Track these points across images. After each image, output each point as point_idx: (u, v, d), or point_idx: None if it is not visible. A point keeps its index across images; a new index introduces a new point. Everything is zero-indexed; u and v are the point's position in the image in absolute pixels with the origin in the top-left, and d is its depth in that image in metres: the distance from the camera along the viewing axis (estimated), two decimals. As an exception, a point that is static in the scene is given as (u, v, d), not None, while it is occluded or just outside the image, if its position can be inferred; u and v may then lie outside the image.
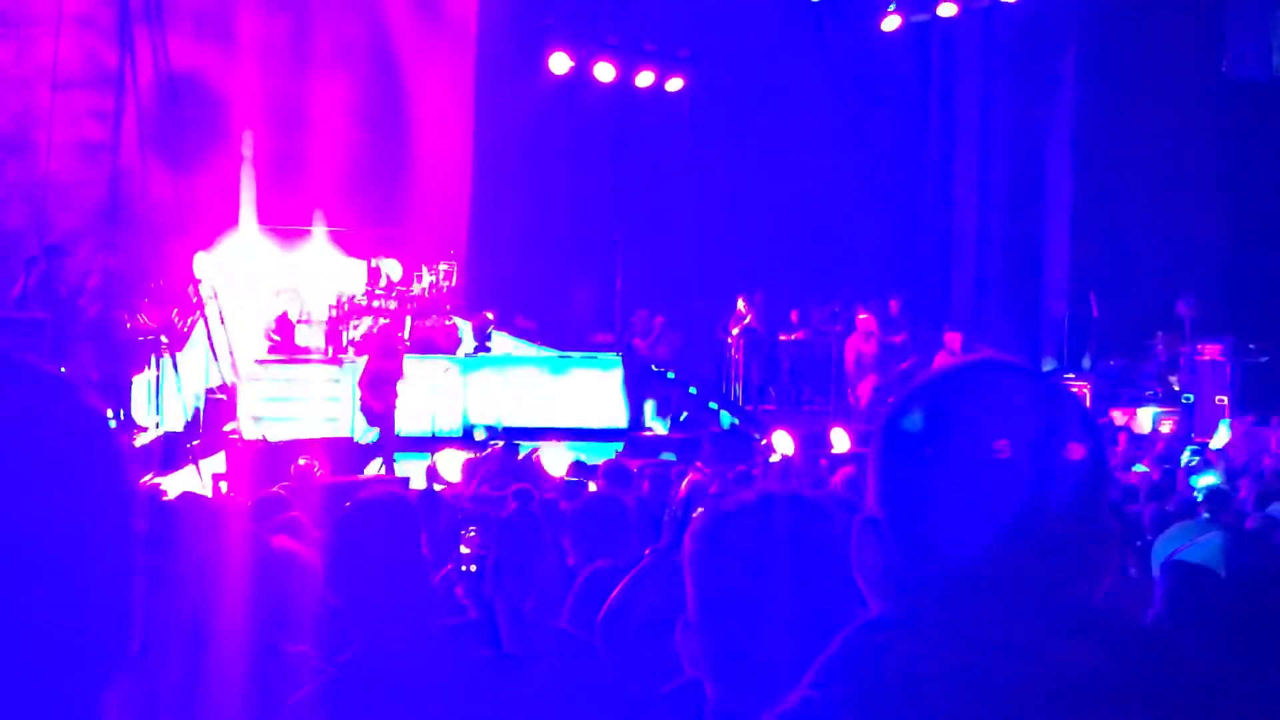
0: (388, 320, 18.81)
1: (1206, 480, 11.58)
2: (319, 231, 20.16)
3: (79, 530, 1.28)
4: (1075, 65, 22.21)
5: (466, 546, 5.20)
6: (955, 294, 23.97)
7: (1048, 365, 21.95)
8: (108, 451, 1.33)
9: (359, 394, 16.60)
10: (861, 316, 20.56)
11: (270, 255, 19.84)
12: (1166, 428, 18.25)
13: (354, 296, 19.32)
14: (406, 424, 16.80)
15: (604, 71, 22.86)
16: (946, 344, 19.86)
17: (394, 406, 16.41)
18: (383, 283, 19.71)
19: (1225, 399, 18.04)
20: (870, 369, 20.16)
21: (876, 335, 20.53)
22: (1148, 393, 19.29)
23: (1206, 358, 18.45)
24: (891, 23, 23.30)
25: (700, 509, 5.10)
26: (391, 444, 16.20)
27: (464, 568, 5.04)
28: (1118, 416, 18.43)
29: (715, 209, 23.28)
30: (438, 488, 12.38)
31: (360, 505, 5.28)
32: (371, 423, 16.33)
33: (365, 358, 17.17)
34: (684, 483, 11.49)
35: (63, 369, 14.66)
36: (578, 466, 13.10)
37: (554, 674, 3.67)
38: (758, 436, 17.80)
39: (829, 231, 23.88)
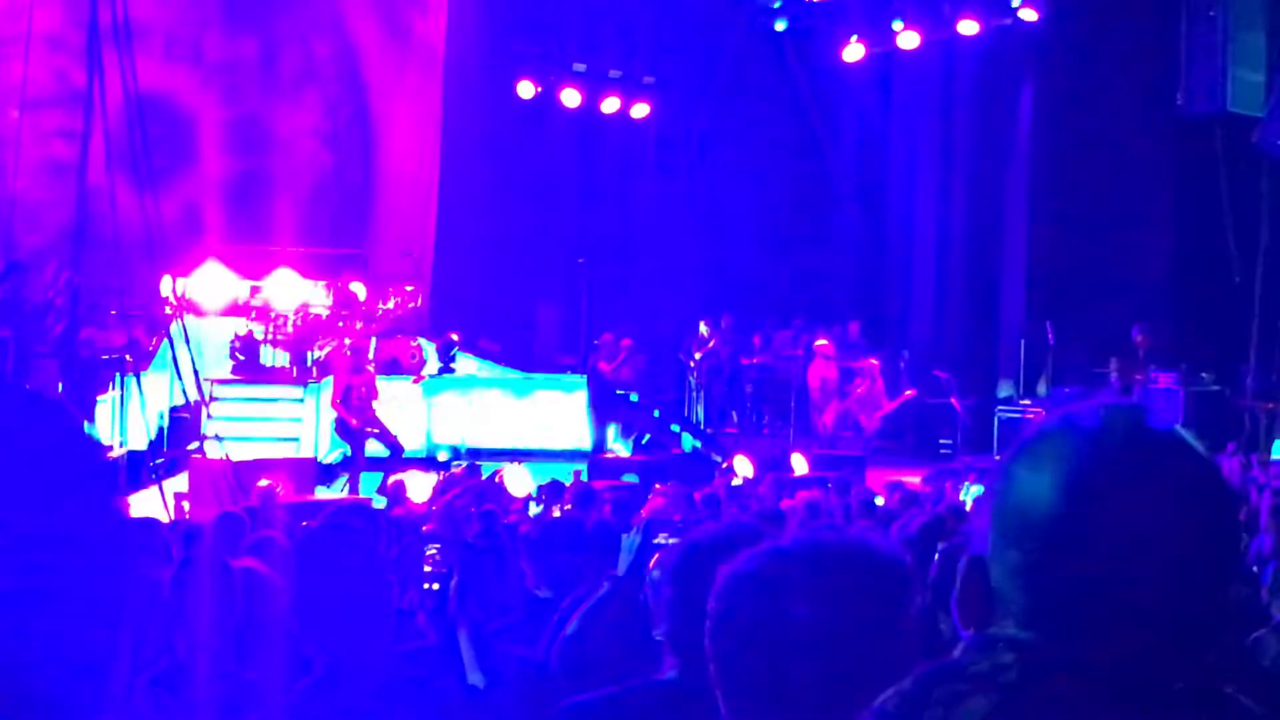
0: (352, 340, 18.75)
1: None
2: (285, 252, 20.07)
3: (74, 549, 1.29)
4: (1033, 97, 22.37)
5: (429, 565, 5.18)
6: (914, 319, 24.04)
7: (1004, 390, 22.06)
8: (103, 476, 1.33)
9: (333, 412, 16.52)
10: (820, 342, 20.61)
11: (236, 276, 19.73)
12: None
13: (319, 317, 19.24)
14: (372, 444, 16.73)
15: (570, 97, 22.92)
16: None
17: (368, 425, 16.37)
18: (348, 304, 19.65)
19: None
20: (834, 394, 20.20)
21: (835, 359, 20.57)
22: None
23: (1160, 385, 18.55)
24: (854, 53, 23.42)
25: (664, 537, 5.09)
26: (360, 463, 16.14)
27: (426, 585, 5.00)
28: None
29: (680, 233, 23.37)
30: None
31: (323, 526, 5.25)
32: (345, 438, 16.27)
33: (330, 378, 17.09)
34: (644, 506, 11.51)
35: (26, 385, 14.56)
36: (552, 487, 13.10)
37: (514, 702, 3.64)
38: (719, 460, 17.82)
39: (792, 256, 24.00)
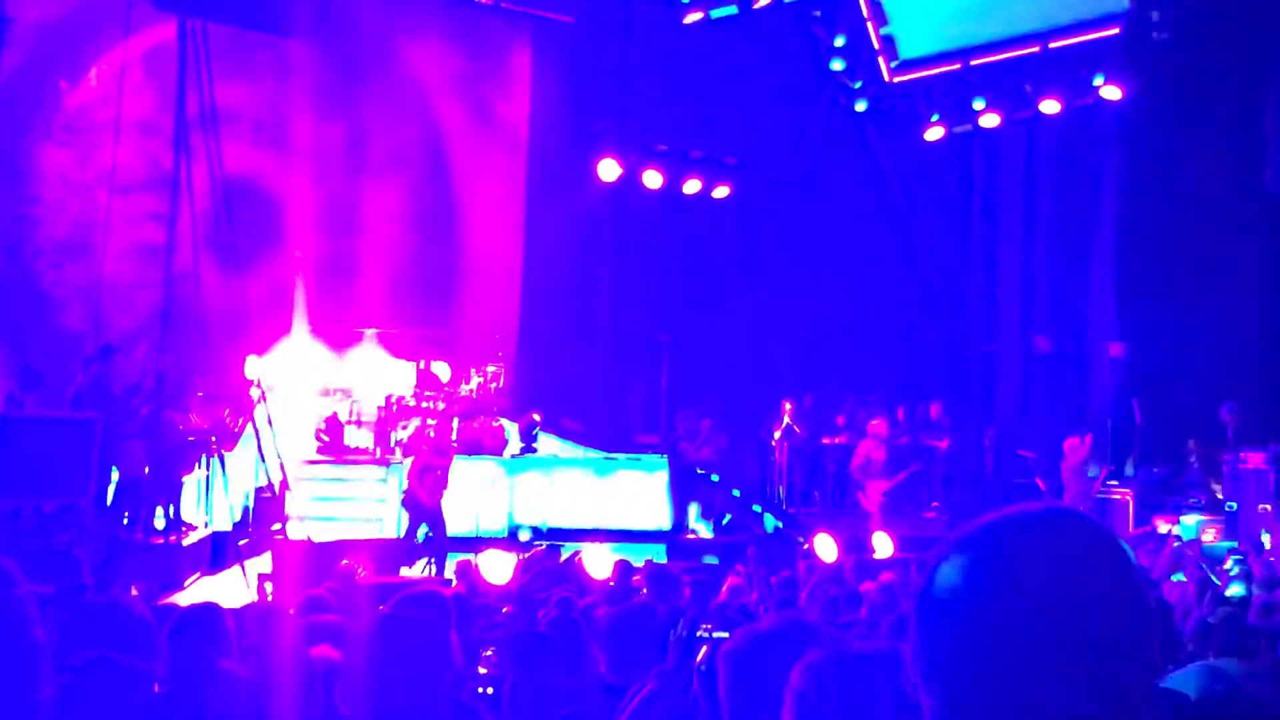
0: (435, 421, 18.87)
1: (1234, 590, 11.39)
2: (370, 334, 20.28)
3: None
4: (1116, 176, 22.21)
5: (484, 667, 5.12)
6: (999, 399, 23.82)
7: (1091, 471, 21.75)
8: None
9: (406, 485, 16.59)
10: (873, 422, 20.38)
11: (321, 357, 19.95)
12: (1209, 536, 18.00)
13: (403, 398, 19.40)
14: (452, 523, 16.76)
15: (652, 179, 23.03)
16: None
17: (440, 504, 16.40)
18: (432, 389, 19.79)
19: (1269, 507, 17.79)
20: (878, 474, 19.91)
21: (885, 440, 20.30)
22: (1190, 500, 19.07)
23: (1250, 465, 18.22)
24: (935, 133, 23.41)
25: (706, 629, 5.05)
26: (443, 543, 16.17)
27: (480, 689, 4.96)
28: (1161, 524, 18.20)
29: (760, 313, 23.31)
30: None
31: (393, 612, 5.26)
32: (416, 518, 16.29)
33: (411, 458, 17.19)
34: (724, 587, 11.43)
35: (114, 469, 14.76)
36: (623, 567, 13.03)
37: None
38: (801, 540, 17.67)
39: (874, 336, 23.87)
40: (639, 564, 13.74)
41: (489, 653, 5.29)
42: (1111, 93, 21.34)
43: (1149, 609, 1.63)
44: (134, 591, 11.50)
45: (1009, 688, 1.56)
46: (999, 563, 1.63)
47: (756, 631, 2.30)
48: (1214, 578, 12.85)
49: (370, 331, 20.25)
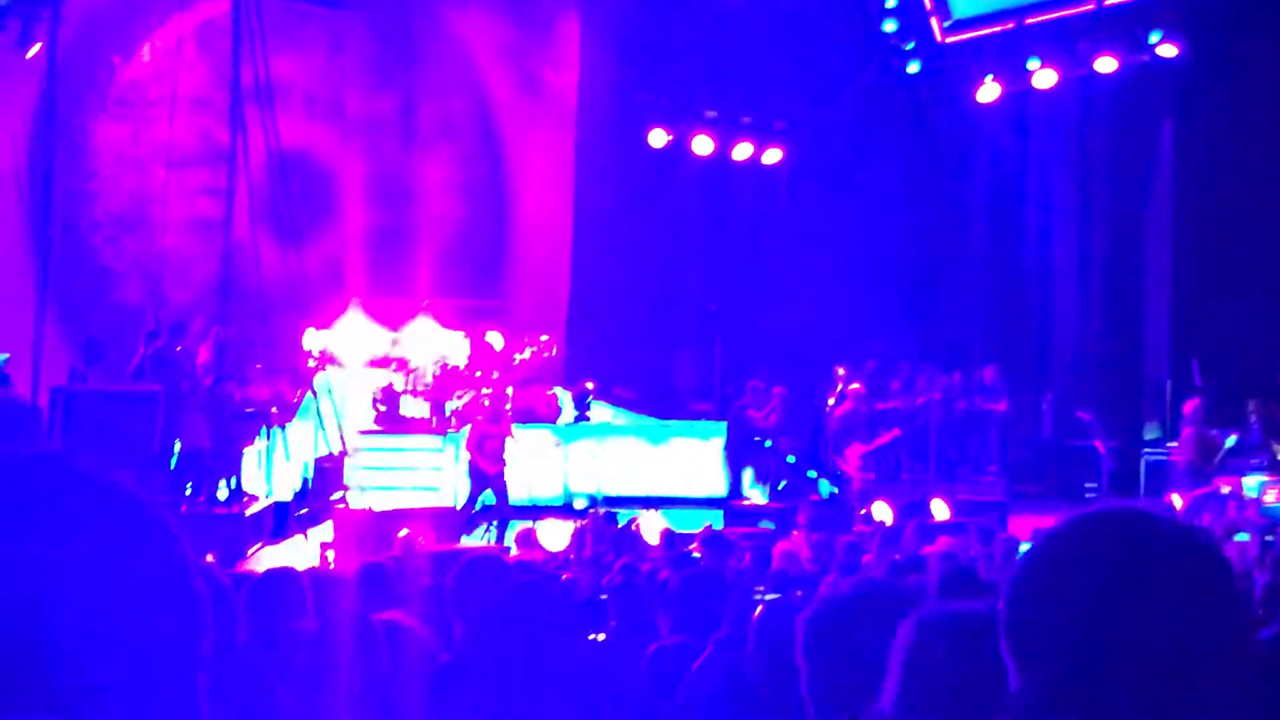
0: (490, 390, 18.95)
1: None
2: (425, 307, 20.36)
3: (148, 634, 1.31)
4: (1174, 132, 21.95)
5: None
6: (1055, 361, 23.66)
7: (1151, 433, 21.58)
8: (174, 557, 1.37)
9: (467, 456, 16.67)
10: (852, 386, 20.24)
11: (377, 328, 20.06)
12: (1271, 497, 17.85)
13: (458, 368, 19.48)
14: (513, 492, 16.85)
15: (702, 145, 22.96)
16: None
17: (502, 472, 16.47)
18: (486, 354, 19.88)
19: (1332, 467, 17.63)
20: (856, 435, 19.73)
21: (866, 402, 20.13)
22: (1253, 461, 18.90)
23: (1312, 427, 18.07)
24: (989, 93, 23.19)
25: (762, 593, 5.07)
26: (505, 511, 16.25)
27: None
28: (1223, 486, 18.06)
29: (813, 278, 23.18)
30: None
31: (453, 579, 5.31)
32: (478, 486, 16.37)
33: (469, 427, 17.27)
34: (775, 554, 11.43)
35: (177, 441, 14.92)
36: (668, 536, 13.08)
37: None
38: (858, 505, 17.66)
39: (928, 299, 23.73)
40: (694, 530, 13.78)
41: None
42: (1168, 50, 21.07)
43: (1241, 617, 1.66)
44: (210, 559, 11.64)
45: (1096, 682, 1.62)
46: (1095, 559, 1.67)
47: (842, 596, 2.31)
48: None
49: (426, 303, 20.32)
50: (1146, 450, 20.77)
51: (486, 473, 16.39)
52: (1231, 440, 18.89)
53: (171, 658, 1.33)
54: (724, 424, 19.54)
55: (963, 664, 2.22)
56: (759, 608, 5.08)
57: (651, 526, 14.09)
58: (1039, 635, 1.67)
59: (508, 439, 16.69)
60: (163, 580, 1.35)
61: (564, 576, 10.17)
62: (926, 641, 2.27)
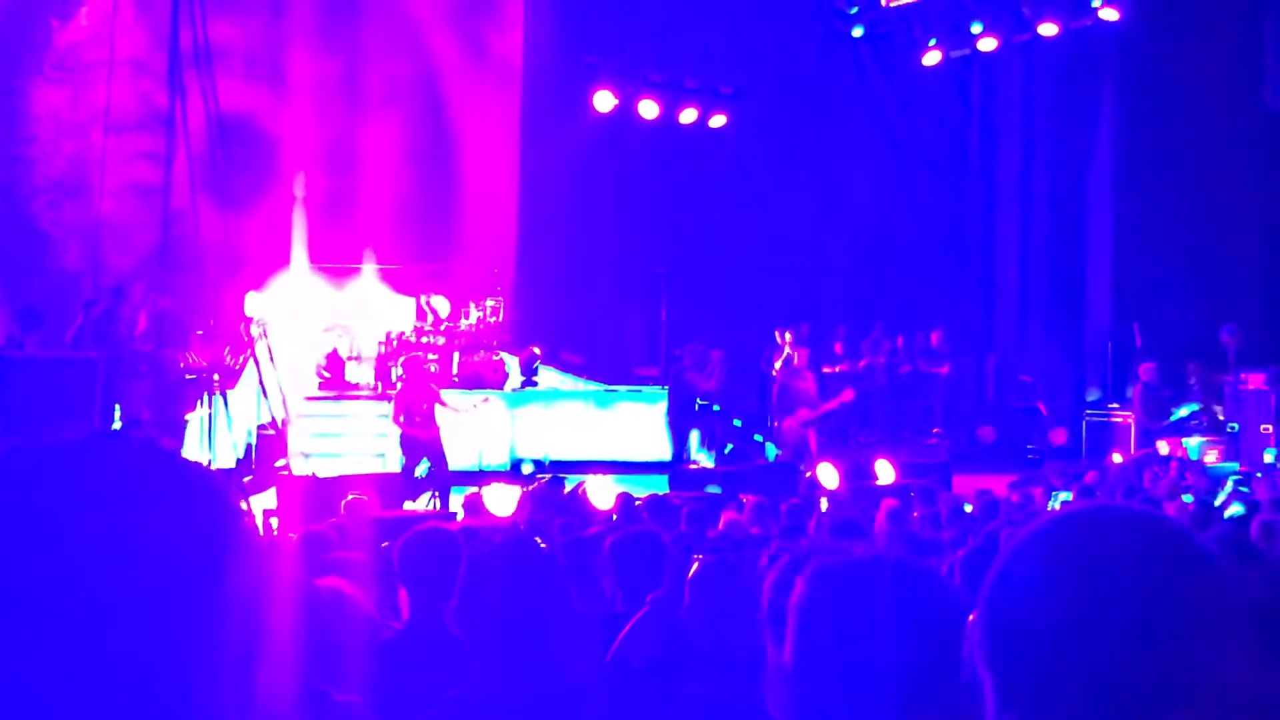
0: (436, 356, 18.85)
1: (1233, 510, 11.42)
2: (368, 269, 20.22)
3: (205, 609, 1.33)
4: (1115, 98, 22.08)
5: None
6: (999, 324, 23.82)
7: (1092, 395, 21.78)
8: (239, 537, 1.39)
9: (397, 429, 16.51)
10: (795, 349, 20.26)
11: (320, 293, 19.91)
12: (1211, 457, 18.05)
13: (403, 333, 19.37)
14: (456, 458, 16.74)
15: (648, 109, 22.89)
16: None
17: (438, 438, 16.32)
18: (431, 319, 19.77)
19: (1270, 428, 17.83)
20: (801, 399, 19.73)
21: (810, 369, 20.15)
22: (1192, 422, 19.10)
23: (1251, 387, 18.24)
24: (932, 58, 23.23)
25: (697, 559, 5.08)
26: (445, 477, 16.15)
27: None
28: (1163, 445, 18.25)
29: (759, 242, 23.23)
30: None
31: (400, 546, 5.25)
32: (413, 454, 16.22)
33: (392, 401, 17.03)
34: (720, 520, 11.44)
35: (117, 408, 14.75)
36: (625, 499, 13.05)
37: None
38: (802, 469, 17.70)
39: (873, 263, 23.80)
40: (642, 494, 13.76)
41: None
42: (1109, 14, 21.15)
43: (1234, 621, 1.59)
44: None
45: (1079, 690, 1.56)
46: (1077, 564, 1.60)
47: (836, 564, 2.26)
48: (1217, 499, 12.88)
49: (369, 267, 20.18)
50: (1088, 412, 20.94)
51: (419, 439, 16.23)
52: (1187, 409, 19.10)
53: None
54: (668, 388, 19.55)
55: (856, 614, 2.21)
56: (694, 565, 5.09)
57: (601, 491, 14.01)
58: (1028, 650, 1.59)
59: (437, 405, 16.53)
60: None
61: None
62: (819, 592, 2.26)
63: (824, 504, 13.61)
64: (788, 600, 2.30)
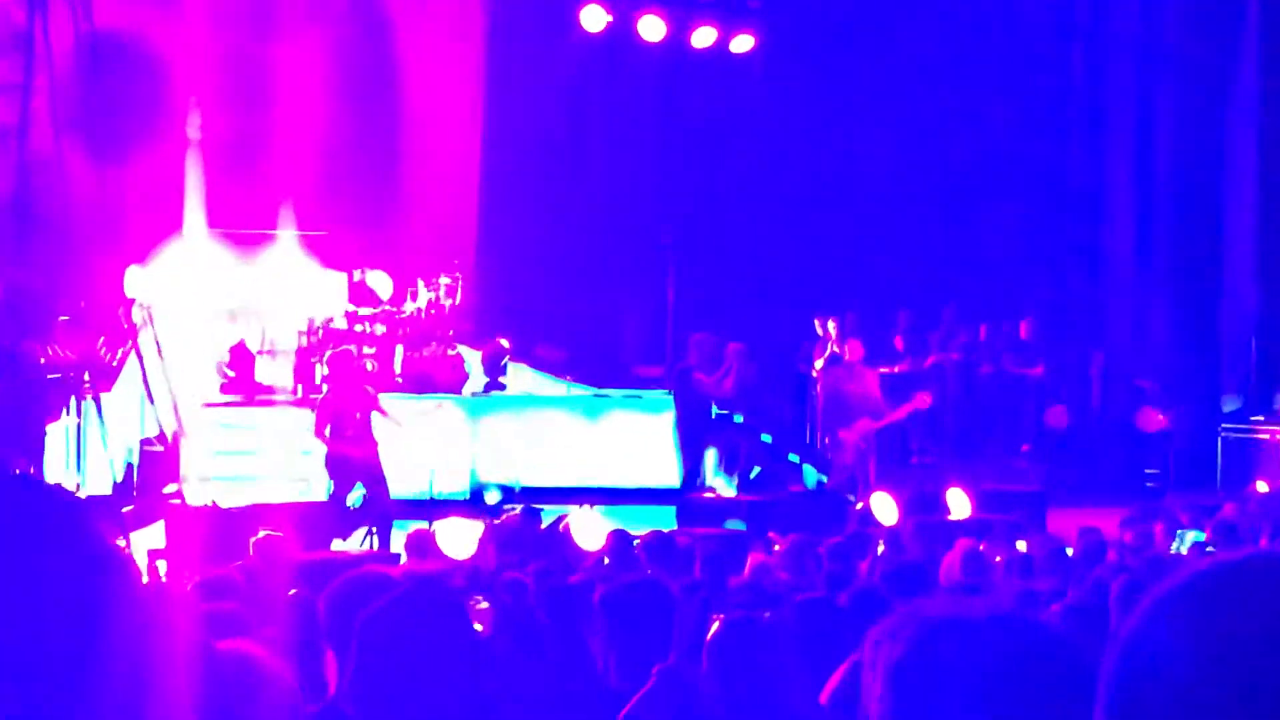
0: (374, 350, 18.85)
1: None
2: (285, 236, 20.19)
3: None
4: (1263, 11, 22.07)
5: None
6: (1111, 314, 23.75)
7: (1230, 405, 21.74)
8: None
9: (321, 446, 16.46)
10: (850, 342, 20.17)
11: (224, 268, 19.87)
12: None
13: (331, 320, 19.36)
14: (399, 483, 16.71)
15: (651, 28, 22.86)
16: None
17: (375, 457, 16.29)
18: (367, 302, 19.76)
19: None
20: (861, 410, 19.65)
21: (865, 366, 20.08)
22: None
23: None
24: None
25: (717, 618, 5.07)
26: (385, 508, 16.12)
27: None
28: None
29: (795, 205, 23.15)
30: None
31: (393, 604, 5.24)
32: (343, 478, 16.18)
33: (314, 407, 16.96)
34: (746, 565, 11.43)
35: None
36: (618, 537, 13.05)
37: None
38: (852, 499, 17.69)
39: (943, 230, 23.70)
40: (642, 532, 13.75)
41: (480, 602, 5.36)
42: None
43: None
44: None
45: None
46: (1233, 629, 1.59)
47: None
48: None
49: (287, 234, 20.14)
50: (1225, 426, 20.93)
51: (351, 459, 16.17)
52: None
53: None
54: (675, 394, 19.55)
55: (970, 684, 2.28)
56: (713, 626, 5.07)
57: (589, 527, 14.02)
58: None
59: (374, 413, 16.48)
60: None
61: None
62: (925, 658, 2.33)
63: (880, 546, 13.57)
64: (880, 666, 2.33)
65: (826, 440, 19.80)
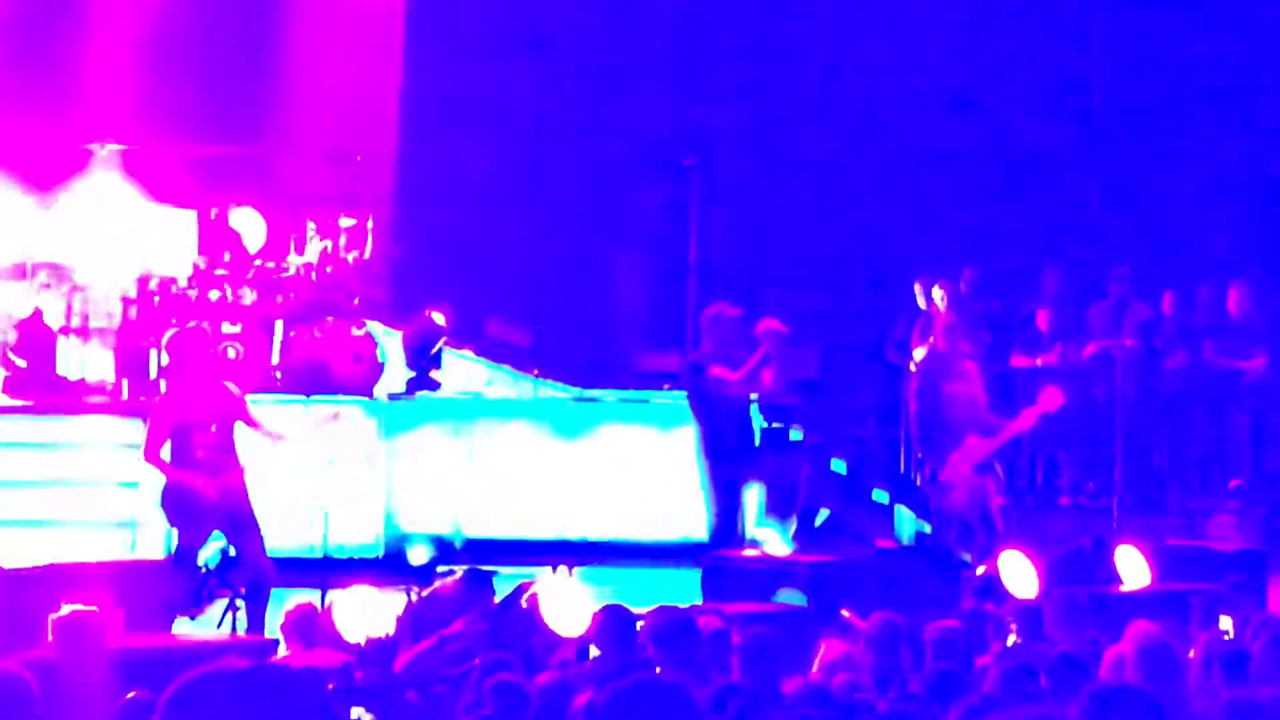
0: (239, 328, 18.77)
1: None
2: (102, 157, 20.11)
3: None
4: None
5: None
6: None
7: None
8: None
9: (154, 473, 16.35)
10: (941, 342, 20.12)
11: (8, 208, 19.84)
12: None
13: (174, 281, 19.29)
14: (278, 532, 16.58)
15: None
16: None
17: (241, 490, 16.15)
18: (229, 255, 19.69)
19: None
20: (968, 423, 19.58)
21: (979, 361, 20.00)
22: None
23: None
24: None
25: None
26: (257, 570, 15.98)
27: None
28: None
29: (862, 123, 23.12)
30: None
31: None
32: (186, 524, 16.07)
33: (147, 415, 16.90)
34: (813, 660, 11.29)
35: None
36: (614, 618, 12.93)
37: None
38: (969, 559, 17.56)
39: (1104, 159, 23.67)
40: (646, 610, 13.64)
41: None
42: None
43: None
44: None
45: None
46: None
47: None
48: None
49: (105, 149, 20.07)
50: None
51: (202, 495, 16.05)
52: None
53: None
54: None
55: None
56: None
57: (565, 601, 13.93)
58: None
59: (238, 424, 16.36)
60: None
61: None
62: None
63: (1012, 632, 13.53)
64: None
65: (929, 470, 19.69)
